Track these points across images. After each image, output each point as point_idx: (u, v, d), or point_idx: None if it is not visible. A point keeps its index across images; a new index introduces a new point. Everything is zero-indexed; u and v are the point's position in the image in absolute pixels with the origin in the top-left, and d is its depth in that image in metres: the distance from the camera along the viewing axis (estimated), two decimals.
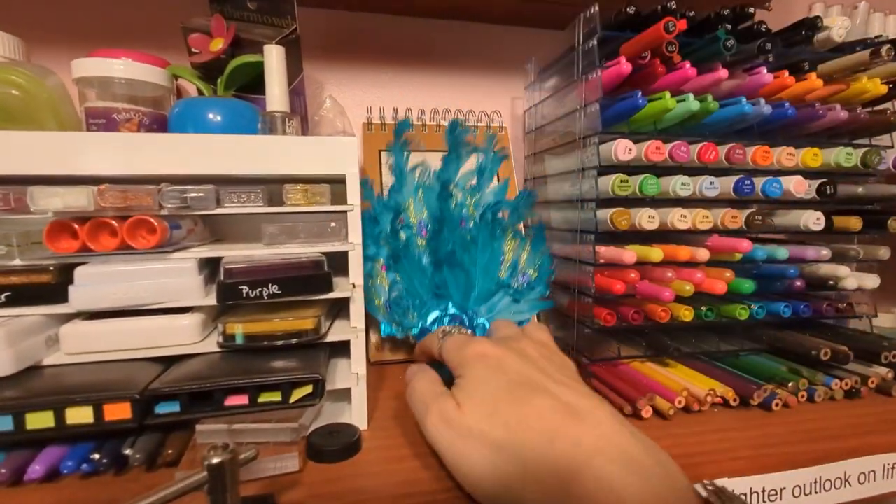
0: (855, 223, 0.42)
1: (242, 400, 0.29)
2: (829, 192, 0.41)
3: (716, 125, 0.41)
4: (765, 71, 0.39)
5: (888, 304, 0.52)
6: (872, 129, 0.44)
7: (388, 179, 0.55)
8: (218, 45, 0.43)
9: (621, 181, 0.38)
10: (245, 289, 0.32)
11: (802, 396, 0.38)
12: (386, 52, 0.60)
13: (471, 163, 0.50)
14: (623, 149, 0.37)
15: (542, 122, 0.53)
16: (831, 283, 0.42)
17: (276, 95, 0.42)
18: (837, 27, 0.41)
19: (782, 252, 0.41)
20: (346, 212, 0.39)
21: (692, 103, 0.37)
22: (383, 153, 0.56)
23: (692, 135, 0.41)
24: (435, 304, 0.46)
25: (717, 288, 0.38)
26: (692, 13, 0.38)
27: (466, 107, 0.59)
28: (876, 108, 0.44)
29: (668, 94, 0.37)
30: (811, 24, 0.41)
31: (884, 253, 0.45)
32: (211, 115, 0.42)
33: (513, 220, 0.49)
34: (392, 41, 0.60)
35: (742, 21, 0.39)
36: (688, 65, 0.38)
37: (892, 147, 0.46)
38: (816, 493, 0.31)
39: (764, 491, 0.30)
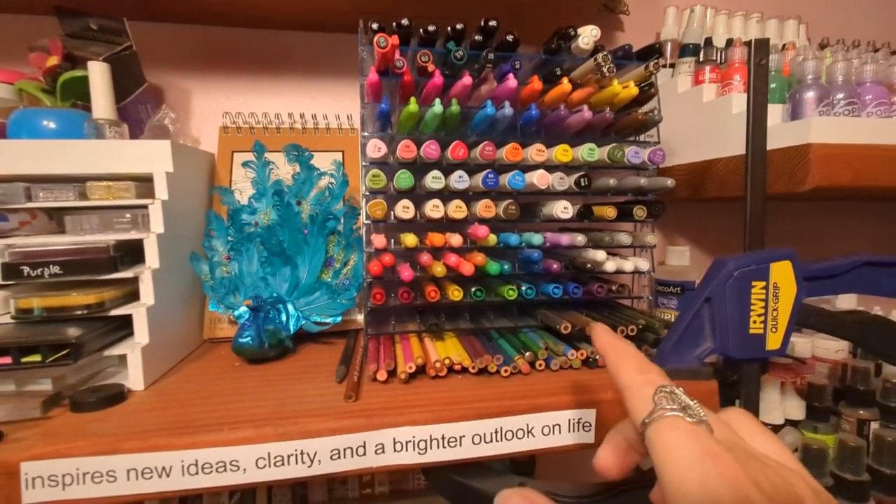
0: (610, 212, 0.47)
1: (7, 360, 0.36)
2: (582, 184, 0.46)
3: (480, 127, 0.46)
4: (512, 77, 0.44)
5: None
6: (629, 128, 0.48)
7: (237, 176, 0.61)
8: (52, 61, 0.49)
9: (373, 176, 0.43)
10: (26, 269, 0.38)
11: (540, 365, 0.43)
12: (245, 62, 0.66)
13: (323, 182, 0.56)
14: (373, 147, 0.43)
15: None
16: (589, 266, 0.47)
17: (100, 105, 0.48)
18: (584, 37, 0.45)
19: (537, 238, 0.46)
20: (147, 205, 0.45)
21: (437, 108, 0.43)
22: (236, 153, 0.62)
23: (462, 136, 0.47)
24: (259, 290, 0.52)
25: (464, 269, 0.43)
26: (433, 28, 0.43)
27: (321, 111, 0.65)
28: (633, 109, 0.49)
29: (413, 101, 0.43)
30: (564, 35, 0.46)
31: (651, 239, 0.50)
32: (44, 123, 0.48)
33: (333, 227, 0.54)
34: (250, 51, 0.66)
35: (489, 34, 0.44)
36: (437, 74, 0.43)
37: (658, 143, 0.50)
38: (497, 441, 0.36)
39: (444, 437, 0.35)
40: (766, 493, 0.17)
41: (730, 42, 0.68)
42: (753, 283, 0.40)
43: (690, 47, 0.69)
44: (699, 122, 0.63)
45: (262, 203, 0.55)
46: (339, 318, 0.52)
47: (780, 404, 0.58)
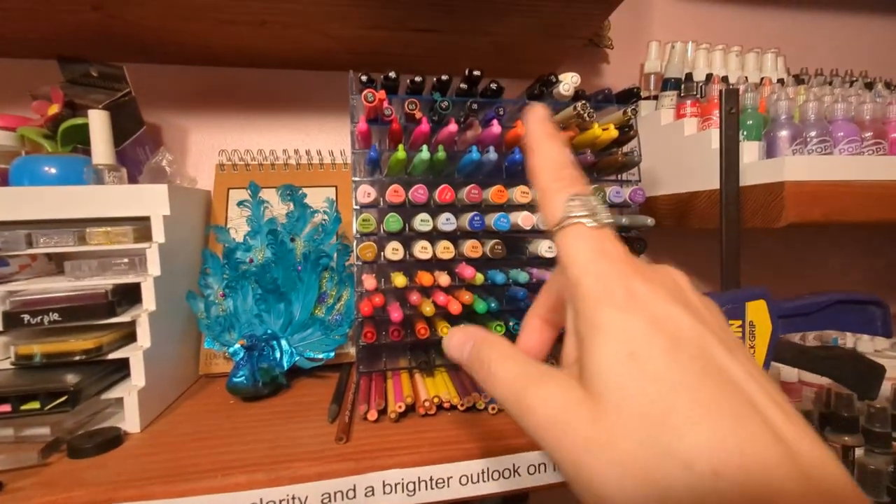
0: None
1: (6, 408, 0.37)
2: None
3: (466, 170, 0.48)
4: (496, 123, 0.46)
5: None
6: (610, 168, 0.50)
7: (233, 213, 0.63)
8: (53, 109, 0.51)
9: (363, 220, 0.45)
10: (26, 317, 0.40)
11: None
12: (240, 100, 0.68)
13: (316, 219, 0.58)
14: (363, 193, 0.45)
15: None
16: None
17: (100, 151, 0.50)
18: (564, 83, 0.48)
19: (523, 276, 0.47)
20: (145, 249, 0.46)
21: (424, 154, 0.45)
22: (232, 191, 0.63)
23: (450, 178, 0.48)
24: (253, 328, 0.53)
25: (452, 308, 0.45)
26: (419, 78, 0.45)
27: (315, 146, 0.67)
28: (611, 150, 0.51)
29: (401, 148, 0.44)
30: (546, 81, 0.48)
31: None
32: (45, 169, 0.50)
33: (326, 264, 0.55)
34: (245, 90, 0.68)
35: (473, 83, 0.46)
36: (424, 121, 0.45)
37: (639, 181, 0.52)
38: (485, 481, 0.38)
39: (432, 479, 0.37)
40: (655, 286, 0.17)
41: (709, 77, 0.70)
42: (730, 322, 0.41)
43: (672, 81, 0.71)
44: (681, 155, 0.65)
45: (256, 240, 0.56)
46: (332, 354, 0.53)
47: None
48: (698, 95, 0.68)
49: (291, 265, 0.54)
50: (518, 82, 0.76)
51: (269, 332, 0.52)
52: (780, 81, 0.72)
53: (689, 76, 0.70)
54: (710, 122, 0.62)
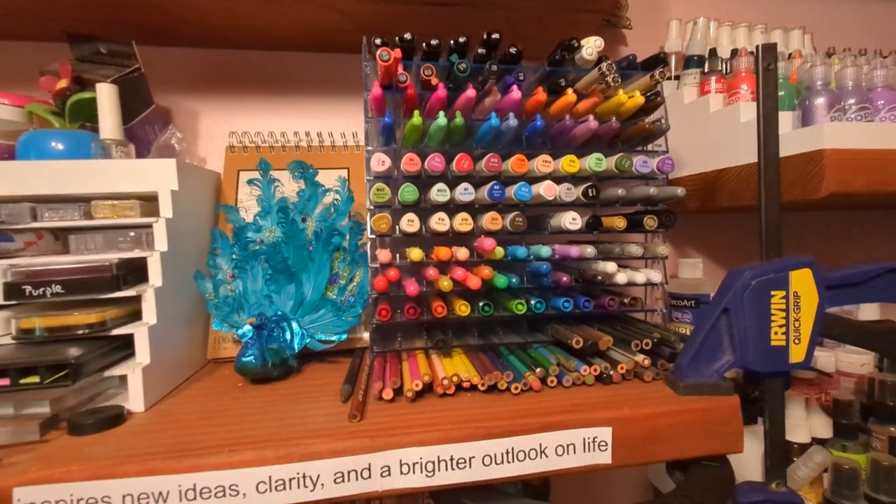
0: (619, 223, 0.46)
1: (5, 382, 0.35)
2: (591, 194, 0.46)
3: (485, 139, 0.46)
4: (516, 89, 0.44)
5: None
6: (636, 138, 0.48)
7: (242, 195, 0.61)
8: (61, 84, 0.50)
9: (377, 190, 0.43)
10: (28, 288, 0.38)
11: (552, 381, 0.42)
12: (251, 83, 0.67)
13: (328, 199, 0.56)
14: (377, 161, 0.42)
15: None
16: (599, 278, 0.46)
17: (107, 126, 0.49)
18: (587, 48, 0.45)
19: (545, 250, 0.45)
20: (152, 224, 0.44)
21: (441, 120, 0.42)
22: (242, 172, 0.62)
23: (467, 148, 0.46)
24: (263, 308, 0.51)
25: (471, 283, 0.42)
26: (435, 42, 0.43)
27: (326, 129, 0.65)
28: (639, 119, 0.48)
29: (417, 114, 0.42)
30: (567, 46, 0.46)
31: (662, 250, 0.48)
32: (52, 144, 0.49)
33: (338, 243, 0.53)
34: (256, 72, 0.67)
35: (492, 48, 0.44)
36: (441, 87, 0.43)
37: (667, 152, 0.49)
38: (509, 462, 0.35)
39: (452, 459, 0.34)
40: None
41: (735, 52, 0.67)
42: (773, 293, 0.38)
43: (695, 59, 0.69)
44: (707, 133, 0.62)
45: (266, 220, 0.54)
46: (344, 336, 0.51)
47: (806, 422, 0.55)
48: (724, 71, 0.66)
49: (302, 245, 0.52)
50: (534, 64, 0.74)
51: (279, 312, 0.50)
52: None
53: (712, 52, 0.67)
54: (738, 96, 0.59)
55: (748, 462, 0.49)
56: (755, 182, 0.45)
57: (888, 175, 0.47)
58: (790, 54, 0.69)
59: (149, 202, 0.46)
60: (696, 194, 0.64)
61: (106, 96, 0.48)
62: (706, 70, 0.66)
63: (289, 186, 0.57)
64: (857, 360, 0.65)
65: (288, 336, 0.49)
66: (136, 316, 0.44)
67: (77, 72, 0.51)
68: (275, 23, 0.58)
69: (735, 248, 0.82)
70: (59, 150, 0.49)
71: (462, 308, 0.44)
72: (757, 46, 0.41)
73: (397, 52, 0.40)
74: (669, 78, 0.72)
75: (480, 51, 0.45)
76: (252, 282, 0.52)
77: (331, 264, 0.53)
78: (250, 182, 0.56)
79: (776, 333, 0.38)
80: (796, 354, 0.38)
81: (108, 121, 0.49)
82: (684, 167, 0.66)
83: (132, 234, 0.44)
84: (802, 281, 0.38)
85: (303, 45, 0.66)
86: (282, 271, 0.51)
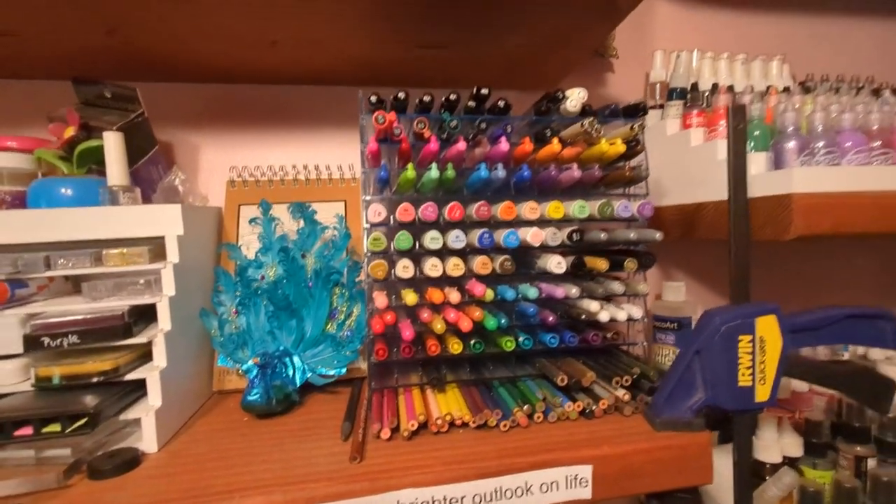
0: (602, 264, 0.49)
1: (28, 431, 0.38)
2: (574, 238, 0.48)
3: (475, 186, 0.49)
4: (504, 140, 0.47)
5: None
6: (618, 182, 0.51)
7: (244, 230, 0.63)
8: (69, 132, 0.52)
9: (374, 239, 0.45)
10: (46, 340, 0.40)
11: (538, 417, 0.45)
12: (251, 116, 0.69)
13: (326, 235, 0.58)
14: (373, 213, 0.45)
15: None
16: (583, 316, 0.49)
17: (115, 172, 0.51)
18: (571, 100, 0.48)
19: (532, 291, 0.48)
20: (160, 269, 0.47)
21: (433, 172, 0.45)
22: (243, 206, 0.64)
23: (459, 194, 0.49)
24: (266, 344, 0.54)
25: (462, 325, 0.45)
26: (428, 98, 0.45)
27: (324, 160, 0.68)
28: (618, 164, 0.51)
29: (411, 167, 0.45)
30: (553, 97, 0.49)
31: (643, 288, 0.51)
32: (63, 191, 0.51)
33: (337, 280, 0.56)
34: (256, 106, 0.69)
35: (481, 101, 0.47)
36: (433, 140, 0.46)
37: (647, 195, 0.52)
38: (498, 499, 0.38)
39: (445, 498, 0.37)
40: None
41: (715, 87, 0.70)
42: (740, 337, 0.41)
43: (678, 91, 0.71)
44: (688, 166, 0.65)
45: (268, 257, 0.57)
46: (343, 370, 0.54)
47: (778, 442, 0.59)
48: (704, 105, 0.68)
49: (303, 281, 0.55)
50: (526, 94, 0.77)
51: (281, 348, 0.53)
52: (786, 90, 0.72)
53: (694, 86, 0.70)
54: (717, 133, 0.62)
55: (723, 480, 0.52)
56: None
57: (853, 217, 0.50)
58: (768, 88, 0.72)
59: (155, 241, 0.49)
60: (677, 224, 0.67)
61: (113, 145, 0.51)
62: (688, 103, 0.68)
63: (289, 222, 0.59)
64: None
65: (290, 371, 0.52)
66: (147, 357, 0.46)
67: (84, 118, 0.53)
68: (275, 65, 0.61)
69: (718, 269, 0.85)
70: (69, 196, 0.51)
71: (455, 346, 0.47)
72: (728, 108, 0.44)
73: (392, 116, 0.43)
74: (655, 107, 0.75)
75: (471, 104, 0.47)
76: (255, 318, 0.54)
77: (330, 300, 0.56)
78: (252, 221, 0.58)
79: (743, 374, 0.41)
80: (762, 394, 0.41)
81: (115, 168, 0.51)
82: (667, 196, 0.69)
83: (142, 281, 0.46)
84: (767, 326, 0.41)
85: (302, 79, 0.68)
86: (284, 308, 0.53)
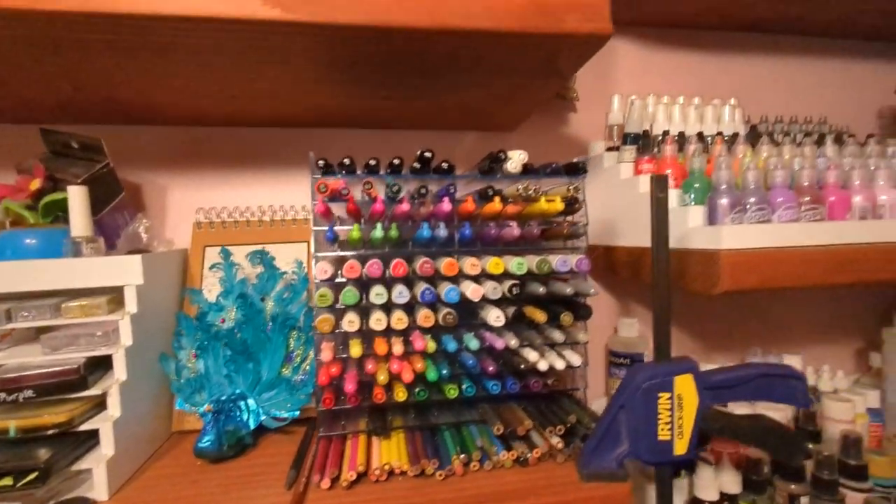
0: (540, 317, 0.52)
1: None
2: (514, 292, 0.51)
3: (421, 243, 0.51)
4: (447, 201, 0.49)
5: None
6: (557, 237, 0.53)
7: (207, 273, 0.66)
8: (35, 185, 0.54)
9: (321, 296, 0.48)
10: (2, 395, 0.42)
11: (475, 466, 0.47)
12: (216, 158, 0.71)
13: (286, 278, 0.61)
14: (320, 270, 0.48)
15: None
16: (523, 366, 0.51)
17: (78, 224, 0.53)
18: (512, 161, 0.51)
19: (474, 343, 0.50)
20: (117, 321, 0.49)
21: (378, 232, 0.48)
22: (208, 248, 0.67)
23: (405, 248, 0.52)
24: (223, 388, 0.56)
25: (405, 377, 0.48)
26: (373, 161, 0.48)
27: (288, 201, 0.70)
28: (557, 220, 0.54)
29: (356, 227, 0.48)
30: (496, 158, 0.52)
31: (582, 337, 0.54)
32: (27, 241, 0.53)
33: (293, 324, 0.58)
34: (221, 148, 0.71)
35: (425, 162, 0.49)
36: (379, 200, 0.48)
37: (585, 248, 0.55)
38: None
39: None
40: None
41: (665, 134, 0.73)
42: (660, 395, 0.44)
43: (631, 136, 0.74)
44: (637, 211, 0.68)
45: (229, 300, 0.59)
46: (296, 413, 0.56)
47: (715, 480, 0.61)
48: (655, 151, 0.72)
49: (261, 325, 0.57)
50: (485, 135, 0.80)
51: (237, 392, 0.55)
52: (734, 136, 0.75)
53: (646, 133, 0.73)
54: None
55: None
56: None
57: (777, 272, 0.53)
58: (718, 133, 0.75)
59: (118, 290, 0.51)
60: (628, 266, 0.70)
61: (76, 198, 0.53)
62: (640, 150, 0.71)
63: (250, 267, 0.62)
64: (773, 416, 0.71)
65: (245, 416, 0.54)
66: (101, 406, 0.48)
67: (49, 170, 0.55)
68: (237, 111, 0.63)
69: (674, 307, 0.88)
70: (34, 246, 0.53)
71: (400, 394, 0.50)
72: (651, 177, 0.47)
73: (335, 184, 0.45)
74: (612, 149, 0.78)
75: (416, 165, 0.50)
76: (213, 361, 0.56)
77: (287, 343, 0.58)
78: (213, 267, 0.60)
79: (662, 429, 0.44)
80: (680, 448, 0.44)
81: (79, 220, 0.53)
82: (621, 237, 0.72)
83: (99, 333, 0.48)
84: (685, 384, 0.44)
85: (264, 122, 0.70)
86: (241, 352, 0.56)
